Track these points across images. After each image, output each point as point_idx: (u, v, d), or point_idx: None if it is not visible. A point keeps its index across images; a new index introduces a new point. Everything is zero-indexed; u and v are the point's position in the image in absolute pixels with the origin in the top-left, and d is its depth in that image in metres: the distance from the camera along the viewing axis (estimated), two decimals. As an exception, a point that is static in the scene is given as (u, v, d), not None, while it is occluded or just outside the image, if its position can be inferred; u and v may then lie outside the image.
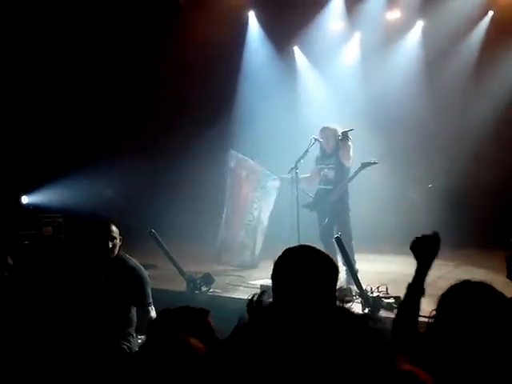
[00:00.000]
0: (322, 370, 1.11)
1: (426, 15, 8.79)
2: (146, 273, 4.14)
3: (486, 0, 8.36)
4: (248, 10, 9.63)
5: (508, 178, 7.98)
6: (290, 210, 6.19)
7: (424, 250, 2.34)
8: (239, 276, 6.50)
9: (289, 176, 6.38)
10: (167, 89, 9.14)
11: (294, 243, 2.13)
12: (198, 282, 5.57)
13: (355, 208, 6.46)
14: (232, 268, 6.92)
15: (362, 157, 6.42)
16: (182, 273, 5.56)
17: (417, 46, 9.04)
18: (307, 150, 6.42)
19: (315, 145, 6.47)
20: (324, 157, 6.52)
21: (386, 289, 5.06)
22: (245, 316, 1.22)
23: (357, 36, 9.42)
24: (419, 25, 9.03)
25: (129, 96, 9.18)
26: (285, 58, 9.52)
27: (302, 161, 6.38)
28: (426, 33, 8.94)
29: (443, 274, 6.50)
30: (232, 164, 7.05)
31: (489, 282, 1.82)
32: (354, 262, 6.05)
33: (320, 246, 2.16)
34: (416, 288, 2.33)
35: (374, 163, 6.24)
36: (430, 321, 1.77)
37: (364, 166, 6.21)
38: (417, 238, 2.39)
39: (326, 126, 6.48)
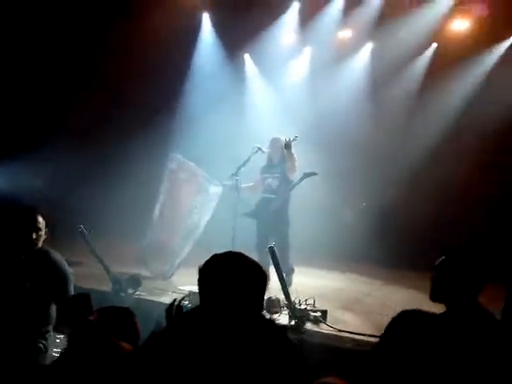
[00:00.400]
0: (235, 378, 1.06)
1: (375, 38, 9.01)
2: (68, 269, 3.98)
3: (432, 32, 8.63)
4: (202, 12, 9.56)
5: (442, 201, 8.24)
6: (225, 217, 6.15)
7: None
8: (168, 281, 6.37)
9: (230, 183, 6.36)
10: (110, 83, 8.90)
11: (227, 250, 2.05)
12: (124, 283, 5.39)
13: (294, 222, 6.52)
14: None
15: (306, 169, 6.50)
16: (108, 272, 5.38)
17: (365, 66, 9.24)
18: (249, 158, 6.44)
19: (257, 153, 6.49)
20: (270, 166, 6.60)
21: (314, 302, 5.09)
22: (162, 321, 1.16)
23: (307, 50, 9.53)
24: (369, 46, 9.24)
25: (67, 85, 8.87)
26: (235, 64, 9.51)
27: (242, 168, 6.38)
28: (374, 55, 9.17)
29: (371, 292, 6.66)
30: (172, 166, 6.90)
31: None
32: (291, 266, 6.32)
33: (254, 255, 2.11)
34: None
35: (315, 174, 6.35)
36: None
37: (306, 175, 6.32)
38: None
39: (275, 137, 6.57)
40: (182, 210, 6.75)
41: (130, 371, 1.17)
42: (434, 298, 2.73)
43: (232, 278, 1.89)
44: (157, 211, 6.89)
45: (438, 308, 2.84)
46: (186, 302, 1.12)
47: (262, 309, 2.07)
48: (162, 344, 1.08)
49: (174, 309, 1.09)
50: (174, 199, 6.85)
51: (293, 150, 6.30)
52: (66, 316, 2.26)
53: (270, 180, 6.54)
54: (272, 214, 6.37)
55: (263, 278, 2.00)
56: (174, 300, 1.09)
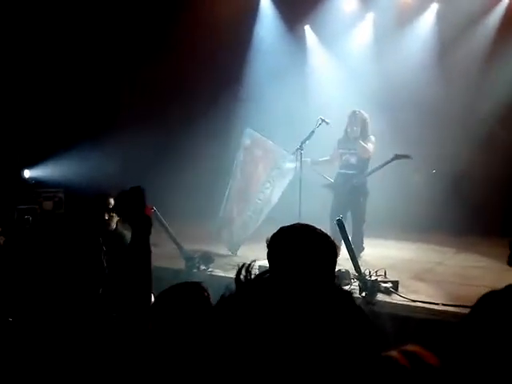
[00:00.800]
0: (302, 344, 1.08)
1: (441, -2, 8.66)
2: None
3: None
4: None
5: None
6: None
7: None
8: (239, 256, 6.48)
9: (308, 159, 6.43)
10: (173, 64, 9.06)
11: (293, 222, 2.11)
12: (197, 260, 5.55)
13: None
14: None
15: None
16: (181, 251, 5.57)
17: (431, 28, 8.91)
18: (313, 131, 6.42)
19: (322, 125, 6.44)
20: (346, 141, 6.54)
21: (385, 273, 5.06)
22: (232, 288, 1.18)
23: (370, 17, 9.28)
24: (434, 7, 8.89)
25: (131, 71, 9.10)
26: (296, 36, 9.41)
27: (307, 142, 6.38)
28: (440, 15, 8.81)
29: (443, 261, 6.53)
30: (247, 142, 6.91)
31: None
32: (362, 245, 6.40)
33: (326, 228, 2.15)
34: None
35: (407, 157, 6.31)
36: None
37: (396, 157, 6.27)
38: None
39: (354, 110, 6.53)
40: (255, 184, 6.83)
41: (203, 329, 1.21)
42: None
43: (300, 249, 1.94)
44: (231, 186, 6.94)
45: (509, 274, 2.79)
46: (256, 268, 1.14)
47: (333, 279, 2.09)
48: (230, 307, 1.10)
49: (242, 273, 1.09)
50: (248, 174, 6.91)
51: (373, 137, 6.41)
52: (122, 208, 2.39)
53: (347, 156, 6.48)
54: (354, 189, 6.38)
55: (332, 249, 2.02)
56: (243, 264, 1.10)
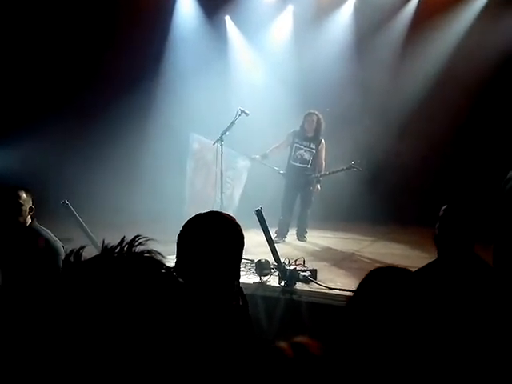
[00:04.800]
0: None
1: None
2: (60, 244, 3.95)
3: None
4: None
5: (430, 158, 8.22)
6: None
7: None
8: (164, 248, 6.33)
9: (257, 156, 7.09)
10: (91, 54, 8.75)
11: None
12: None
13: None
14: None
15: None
16: (95, 246, 5.35)
17: (349, 20, 9.07)
18: (233, 122, 6.48)
19: (241, 116, 6.49)
20: (302, 137, 7.05)
21: (303, 262, 5.12)
22: None
23: (290, 8, 9.34)
24: (351, 0, 9.05)
25: (45, 65, 8.68)
26: (216, 27, 9.31)
27: (227, 133, 6.42)
28: (357, 8, 8.99)
29: (360, 249, 6.70)
30: (195, 146, 7.19)
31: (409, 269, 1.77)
32: (306, 228, 7.16)
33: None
34: None
35: (359, 170, 7.06)
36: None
37: (349, 168, 7.00)
38: None
39: (310, 111, 7.05)
40: (212, 186, 7.02)
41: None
42: (437, 245, 2.82)
43: (209, 234, 2.00)
44: (188, 190, 7.20)
45: (430, 260, 2.89)
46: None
47: (238, 270, 2.09)
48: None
49: (71, 256, 0.98)
50: (203, 177, 7.18)
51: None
52: None
53: (302, 151, 7.03)
54: (305, 181, 7.01)
55: (239, 236, 2.06)
56: (73, 249, 0.99)
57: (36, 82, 8.62)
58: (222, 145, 6.39)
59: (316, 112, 7.07)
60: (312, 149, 7.04)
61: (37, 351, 0.90)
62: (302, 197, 7.12)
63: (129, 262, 0.93)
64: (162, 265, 0.95)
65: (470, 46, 8.01)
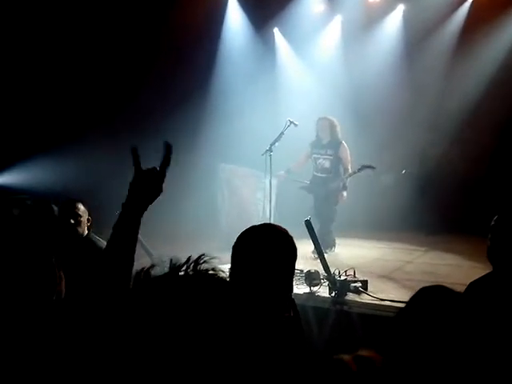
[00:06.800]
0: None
1: (406, -1, 8.77)
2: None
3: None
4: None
5: (481, 166, 8.03)
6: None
7: None
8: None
9: (282, 172, 6.86)
10: (140, 70, 8.98)
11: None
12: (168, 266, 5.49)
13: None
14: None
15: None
16: (149, 254, 5.51)
17: (398, 29, 9.00)
18: (282, 133, 6.54)
19: (290, 127, 6.53)
20: (319, 145, 6.85)
21: (354, 272, 5.09)
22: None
23: (338, 19, 9.35)
24: (400, 8, 8.99)
25: (94, 78, 8.95)
26: (265, 39, 9.42)
27: (276, 143, 6.45)
28: (406, 17, 8.91)
29: (412, 259, 6.61)
30: (224, 176, 7.40)
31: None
32: (334, 242, 6.78)
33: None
34: None
35: (372, 167, 6.60)
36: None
37: (364, 167, 6.57)
38: None
39: (322, 116, 6.84)
40: (247, 209, 7.28)
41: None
42: (490, 258, 2.73)
43: (259, 246, 2.03)
44: (223, 219, 7.39)
45: (483, 271, 2.82)
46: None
47: (291, 280, 2.12)
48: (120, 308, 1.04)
49: (142, 274, 1.05)
50: (237, 204, 7.35)
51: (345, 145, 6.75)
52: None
53: (321, 160, 6.80)
54: (328, 192, 6.70)
55: (293, 248, 2.08)
56: (143, 268, 1.06)
57: (88, 96, 8.90)
58: (270, 155, 6.41)
59: (327, 116, 6.82)
60: (329, 155, 6.75)
61: (102, 363, 0.97)
62: (320, 210, 6.72)
63: (195, 280, 0.99)
64: (225, 282, 1.01)
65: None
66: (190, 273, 1.01)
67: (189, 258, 1.03)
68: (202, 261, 1.03)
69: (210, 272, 1.02)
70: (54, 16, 8.30)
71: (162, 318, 0.95)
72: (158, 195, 1.76)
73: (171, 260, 1.04)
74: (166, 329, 0.94)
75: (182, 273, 1.02)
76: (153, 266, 1.05)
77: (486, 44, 8.19)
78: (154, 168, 1.77)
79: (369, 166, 6.56)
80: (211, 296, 0.98)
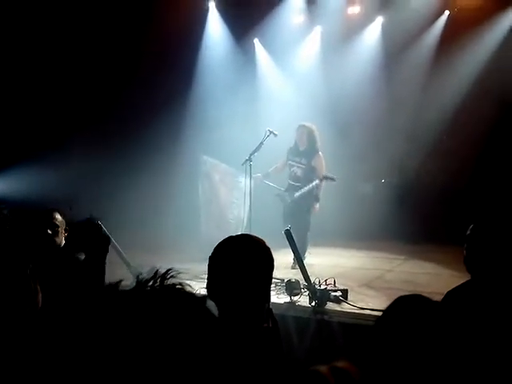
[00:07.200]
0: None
1: (385, 11, 8.89)
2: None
3: (443, 0, 8.47)
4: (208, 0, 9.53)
5: (460, 176, 8.14)
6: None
7: None
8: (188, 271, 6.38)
9: (259, 175, 6.79)
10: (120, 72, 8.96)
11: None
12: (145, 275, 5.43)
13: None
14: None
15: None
16: (127, 264, 5.44)
17: (376, 41, 9.12)
18: (262, 143, 6.55)
19: (270, 137, 6.55)
20: (295, 152, 6.80)
21: (334, 282, 5.11)
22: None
23: (317, 30, 9.44)
24: (379, 20, 9.11)
25: (73, 87, 8.90)
26: (245, 49, 9.47)
27: (256, 153, 6.48)
28: (385, 28, 9.04)
29: (392, 268, 6.65)
30: (205, 168, 7.33)
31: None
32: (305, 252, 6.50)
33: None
34: None
35: (333, 179, 6.55)
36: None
37: (324, 178, 6.54)
38: None
39: (301, 124, 6.78)
40: (223, 205, 7.29)
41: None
42: (467, 267, 2.73)
43: (235, 257, 2.04)
44: (203, 210, 7.38)
45: (462, 279, 2.84)
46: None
47: (268, 290, 2.12)
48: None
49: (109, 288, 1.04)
50: (215, 197, 7.34)
51: (321, 154, 6.69)
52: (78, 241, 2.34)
53: (295, 168, 6.78)
54: (293, 200, 6.65)
55: (270, 259, 2.09)
56: (110, 283, 1.04)
57: (67, 104, 8.84)
58: (250, 165, 6.44)
59: (306, 124, 6.74)
60: (303, 164, 6.70)
61: (72, 371, 0.95)
62: (288, 219, 6.58)
63: (161, 295, 0.98)
64: (192, 296, 1.00)
65: (498, 63, 7.96)
66: (157, 287, 1.00)
67: (156, 272, 1.02)
68: (168, 275, 1.02)
69: (177, 286, 1.00)
70: (35, 22, 8.26)
71: (126, 334, 0.93)
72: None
73: (138, 276, 1.03)
74: (131, 346, 0.92)
75: (148, 288, 1.00)
76: (121, 280, 1.03)
77: (462, 56, 8.34)
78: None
79: (330, 178, 6.55)
80: (177, 310, 0.97)
